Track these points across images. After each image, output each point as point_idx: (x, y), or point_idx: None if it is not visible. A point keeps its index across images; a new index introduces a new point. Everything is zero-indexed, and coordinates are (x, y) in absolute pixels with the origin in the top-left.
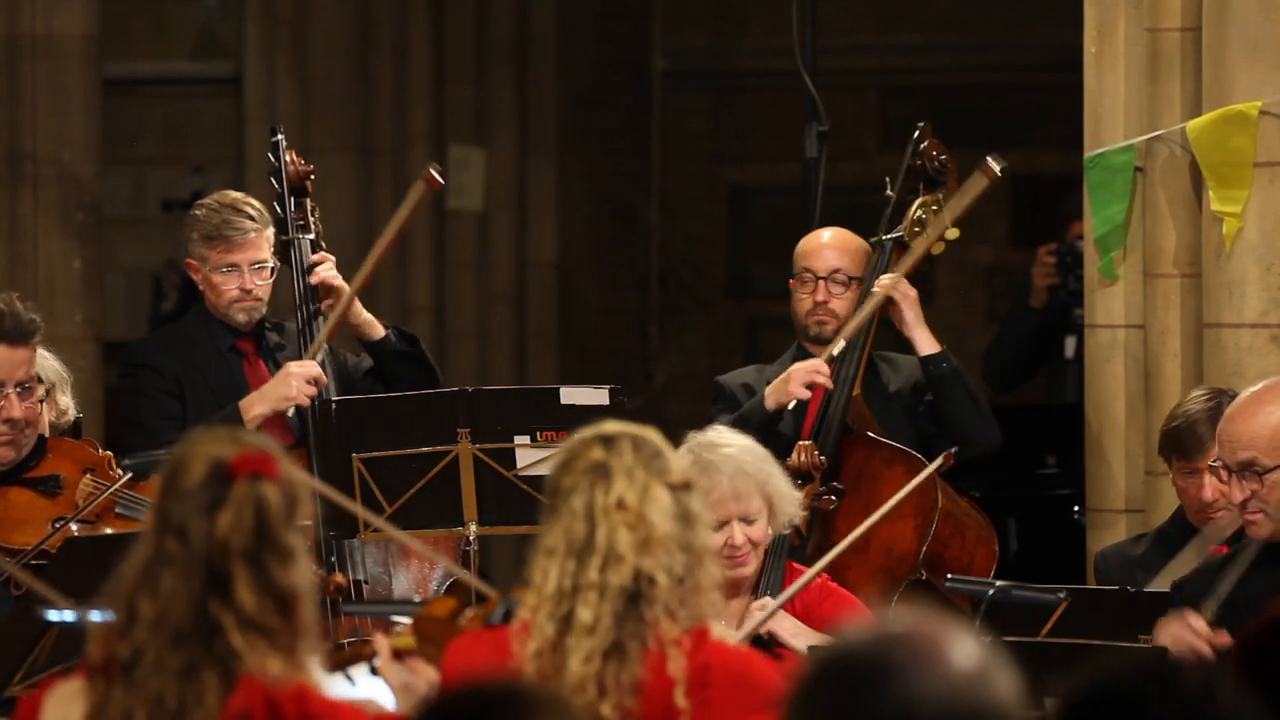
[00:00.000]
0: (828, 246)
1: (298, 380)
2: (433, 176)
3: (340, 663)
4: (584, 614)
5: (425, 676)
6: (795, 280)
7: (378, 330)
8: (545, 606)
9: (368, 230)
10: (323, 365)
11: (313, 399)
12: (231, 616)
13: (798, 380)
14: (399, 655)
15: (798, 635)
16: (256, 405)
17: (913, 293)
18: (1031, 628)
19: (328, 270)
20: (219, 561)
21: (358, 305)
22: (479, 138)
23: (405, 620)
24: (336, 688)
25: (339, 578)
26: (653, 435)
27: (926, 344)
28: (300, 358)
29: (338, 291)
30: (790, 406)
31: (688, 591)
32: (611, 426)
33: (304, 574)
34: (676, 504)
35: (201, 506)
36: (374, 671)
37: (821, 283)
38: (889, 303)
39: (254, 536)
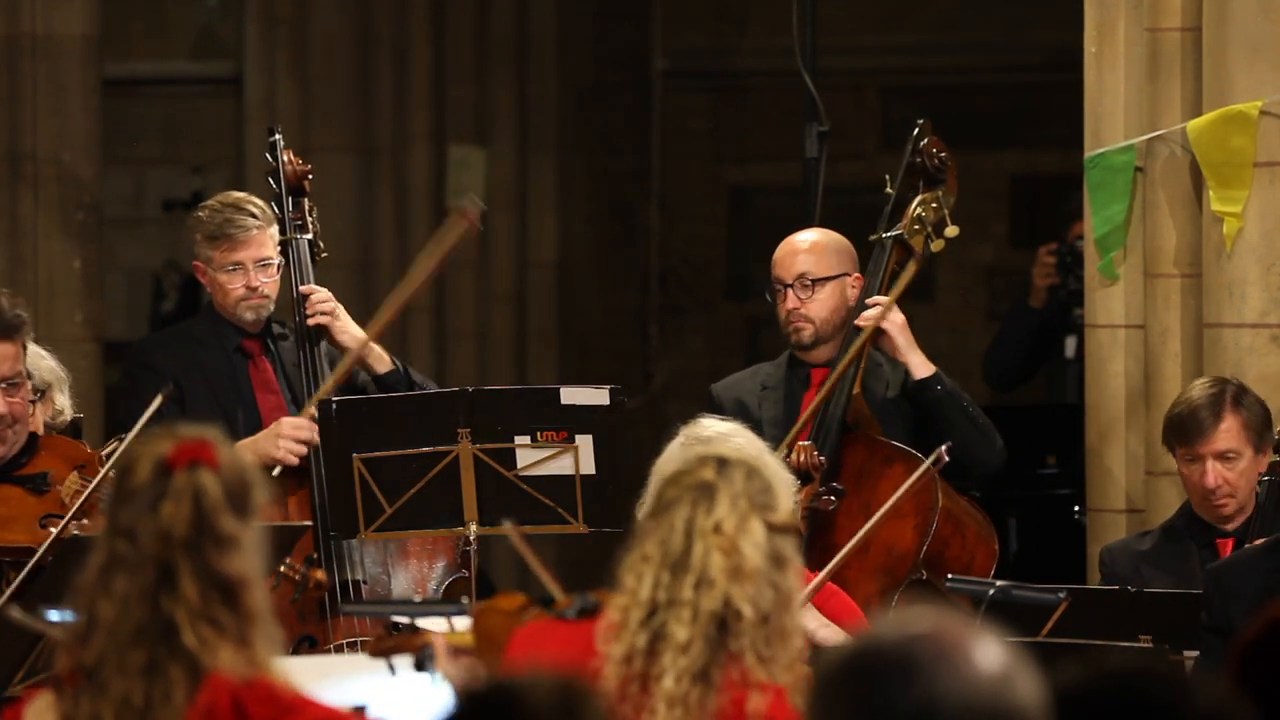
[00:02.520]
0: (791, 253)
1: (286, 442)
2: (469, 212)
3: (385, 650)
4: (679, 631)
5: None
6: (770, 291)
7: (384, 364)
8: (636, 613)
9: (367, 231)
10: (314, 364)
11: (305, 387)
12: (183, 610)
13: None
14: (462, 651)
15: (822, 629)
16: (246, 454)
17: (900, 319)
18: (1032, 628)
19: (324, 307)
20: (165, 555)
21: (359, 333)
22: (479, 138)
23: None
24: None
25: (319, 573)
26: (771, 469)
27: (920, 368)
28: (299, 358)
29: (338, 333)
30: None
31: (773, 633)
32: (732, 451)
33: (248, 561)
34: (771, 543)
35: (147, 504)
36: (419, 667)
37: (789, 290)
38: (879, 333)
39: (192, 526)
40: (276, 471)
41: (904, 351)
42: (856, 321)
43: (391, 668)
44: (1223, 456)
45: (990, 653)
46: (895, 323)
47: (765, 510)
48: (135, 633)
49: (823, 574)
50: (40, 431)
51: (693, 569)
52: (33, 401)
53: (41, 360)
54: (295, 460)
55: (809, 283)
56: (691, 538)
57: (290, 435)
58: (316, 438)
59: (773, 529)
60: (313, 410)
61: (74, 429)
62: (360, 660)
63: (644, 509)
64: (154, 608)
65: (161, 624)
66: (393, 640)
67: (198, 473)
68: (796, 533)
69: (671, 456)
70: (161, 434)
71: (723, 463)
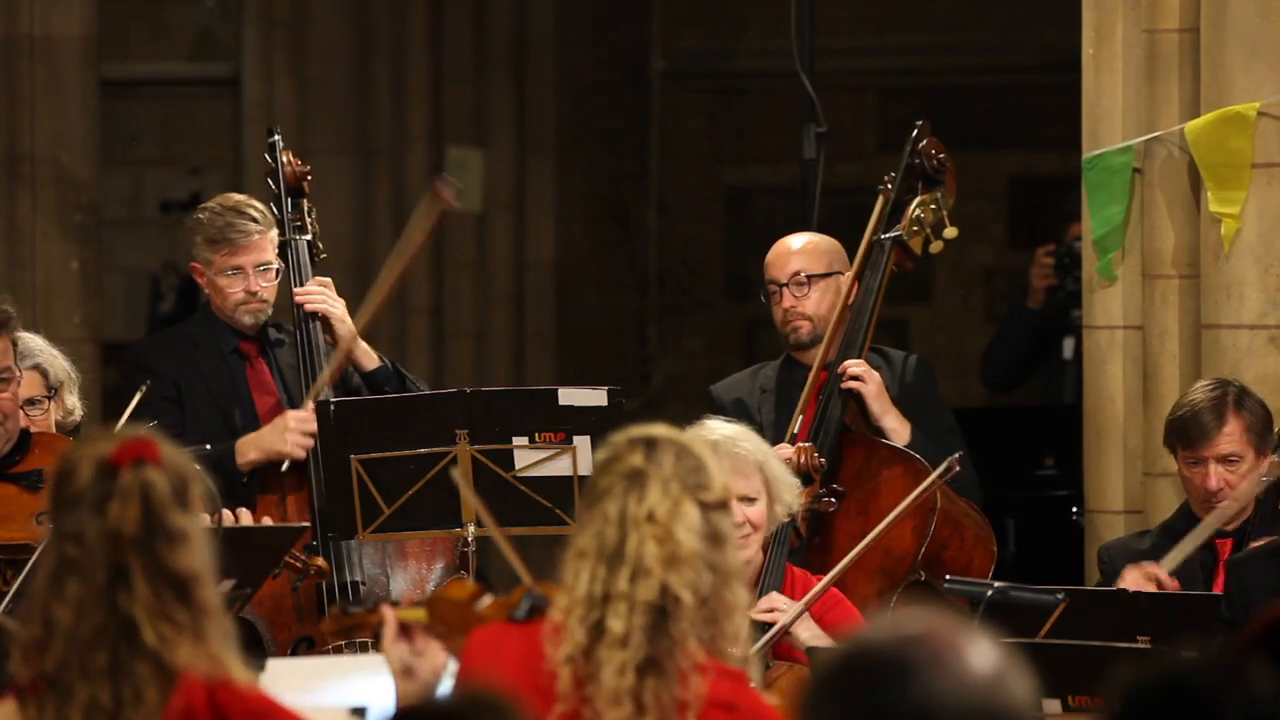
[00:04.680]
0: (784, 254)
1: (293, 435)
2: (442, 191)
3: (342, 629)
4: (615, 624)
5: (432, 660)
6: (765, 294)
7: (372, 360)
8: (576, 611)
9: (366, 231)
10: (314, 364)
11: (304, 387)
12: (140, 609)
13: None
14: (405, 630)
15: (816, 639)
16: (251, 450)
17: (875, 383)
18: (1030, 629)
19: (323, 303)
20: (116, 555)
21: (354, 330)
22: (477, 139)
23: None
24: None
25: (319, 560)
26: (699, 446)
27: (898, 433)
28: (297, 359)
29: (335, 321)
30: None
31: (715, 612)
32: (659, 431)
33: (198, 556)
34: (707, 523)
35: (92, 505)
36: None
37: (785, 289)
38: (854, 396)
39: (142, 524)
40: (285, 467)
41: (879, 416)
42: (840, 371)
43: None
44: (1225, 460)
45: (984, 654)
46: (872, 387)
47: (698, 489)
48: (94, 634)
49: (820, 585)
50: (52, 428)
51: (628, 560)
52: (48, 397)
53: (55, 360)
54: (303, 453)
55: (804, 280)
56: (625, 528)
57: (297, 429)
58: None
59: (707, 508)
60: (312, 404)
61: (77, 430)
62: (359, 661)
63: (581, 499)
64: (111, 608)
65: (120, 624)
66: (350, 619)
67: (143, 470)
68: (725, 506)
69: None
70: (97, 437)
71: (651, 444)
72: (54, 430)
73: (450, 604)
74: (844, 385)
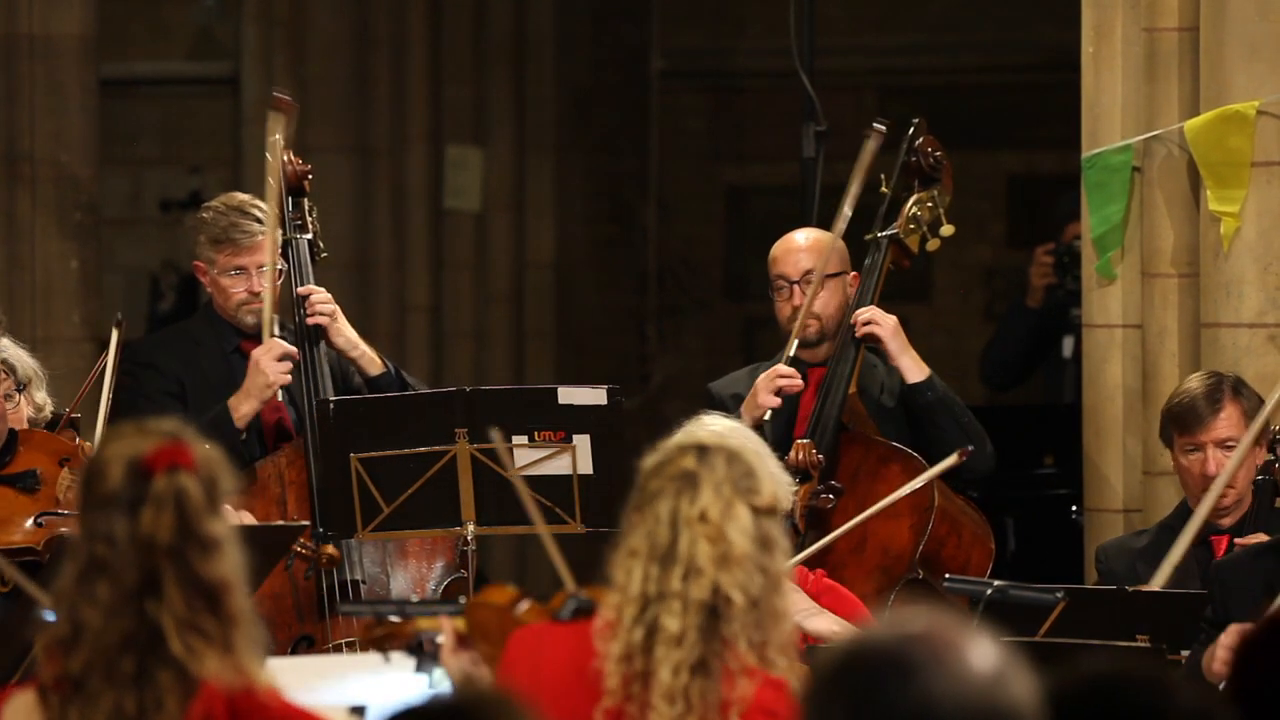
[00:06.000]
0: (796, 250)
1: (268, 363)
2: (282, 100)
3: (377, 640)
4: (670, 623)
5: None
6: (772, 288)
7: (375, 366)
8: (629, 609)
9: (364, 231)
10: (314, 363)
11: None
12: (169, 617)
13: (763, 391)
14: (463, 641)
15: (814, 617)
16: (243, 403)
17: (890, 323)
18: (1029, 627)
19: (324, 308)
20: (148, 561)
21: (354, 336)
22: (477, 138)
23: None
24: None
25: (330, 549)
26: (750, 453)
27: (913, 371)
28: (298, 359)
29: (333, 331)
30: (766, 417)
31: (764, 616)
32: (710, 437)
33: (230, 564)
34: (758, 527)
35: (124, 507)
36: (415, 657)
37: (796, 287)
38: (871, 338)
39: (176, 532)
40: (282, 396)
41: (896, 355)
42: (851, 321)
43: (386, 658)
44: (1223, 444)
45: (985, 652)
46: (888, 326)
47: (749, 494)
48: (122, 640)
49: (813, 548)
50: (24, 424)
51: (680, 559)
52: (19, 391)
53: (21, 357)
54: (288, 378)
55: (819, 280)
56: (677, 528)
57: (268, 357)
58: (292, 348)
59: (758, 512)
60: (268, 334)
61: (72, 426)
62: (358, 660)
63: (629, 502)
64: (140, 614)
65: (148, 631)
66: (384, 629)
67: (178, 476)
68: (783, 514)
69: None
70: (130, 433)
71: (703, 450)
72: (25, 424)
73: (489, 609)
74: (859, 333)
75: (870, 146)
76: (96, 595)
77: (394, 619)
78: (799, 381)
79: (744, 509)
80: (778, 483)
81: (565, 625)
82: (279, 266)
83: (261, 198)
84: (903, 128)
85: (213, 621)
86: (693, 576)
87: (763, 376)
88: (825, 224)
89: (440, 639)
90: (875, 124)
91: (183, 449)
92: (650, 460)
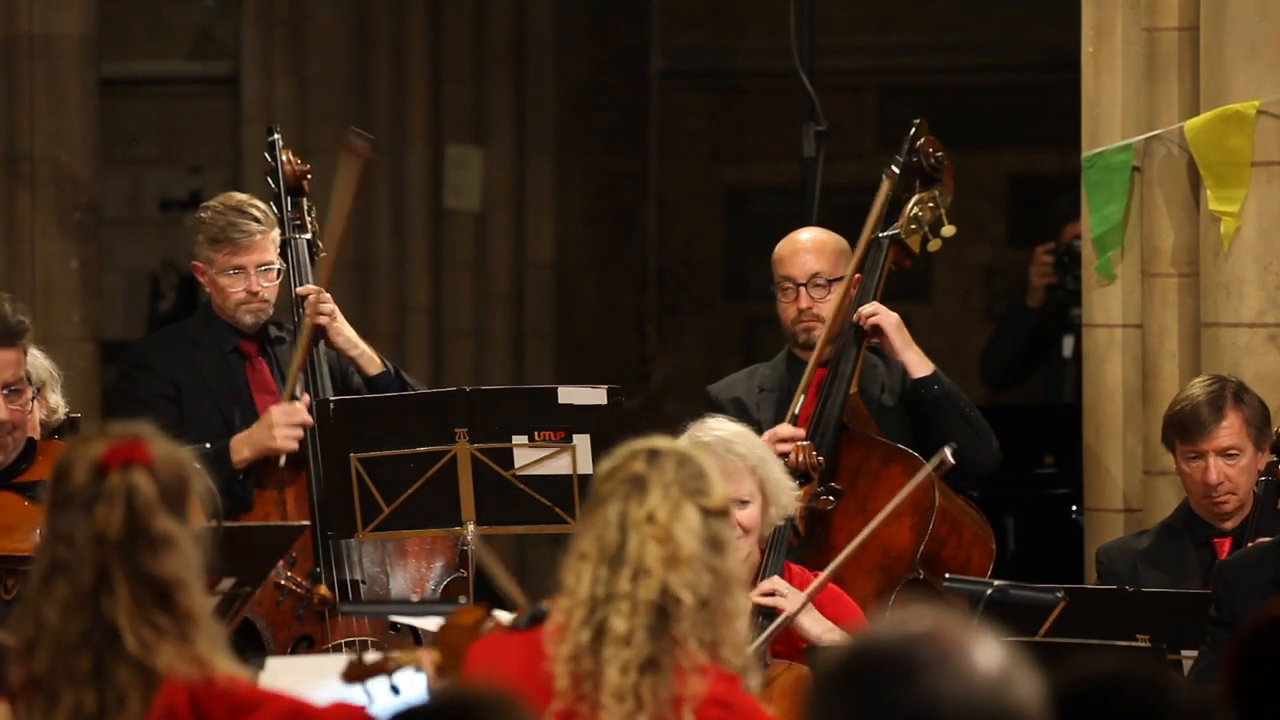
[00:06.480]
0: (803, 251)
1: (280, 430)
2: (359, 149)
3: (358, 676)
4: (618, 624)
5: None
6: (776, 288)
7: (375, 366)
8: (578, 611)
9: (364, 231)
10: (314, 366)
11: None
12: (122, 613)
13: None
14: (441, 670)
15: (828, 633)
16: (244, 448)
17: (893, 318)
18: (1029, 627)
19: (323, 309)
20: (100, 558)
21: (353, 335)
22: (477, 138)
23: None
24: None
25: (324, 590)
26: (702, 457)
27: (917, 366)
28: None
29: (333, 331)
30: None
31: (714, 616)
32: (662, 442)
33: (183, 562)
34: (706, 527)
35: (83, 506)
36: (395, 693)
37: (802, 289)
38: (875, 333)
39: (124, 528)
40: (282, 462)
41: (900, 350)
42: (854, 319)
43: (368, 695)
44: (1225, 453)
45: (989, 653)
46: (891, 321)
47: (698, 495)
48: (79, 638)
49: (823, 575)
50: (37, 429)
51: (629, 561)
52: (33, 402)
53: (35, 359)
54: (294, 445)
55: (823, 283)
56: (626, 530)
57: (283, 422)
58: (309, 419)
59: (707, 513)
60: (304, 396)
61: (71, 426)
62: None
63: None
64: (95, 612)
65: (104, 628)
66: (364, 666)
67: (130, 473)
68: (725, 514)
69: None
70: (95, 435)
71: (653, 454)
72: (38, 428)
73: (460, 630)
74: (867, 324)
75: (885, 187)
76: (55, 595)
77: (371, 658)
78: (798, 443)
79: (693, 510)
80: (778, 487)
81: (521, 633)
82: (278, 266)
83: (260, 197)
84: (903, 128)
85: (165, 617)
86: (641, 577)
87: (767, 435)
88: (825, 224)
89: (420, 673)
90: (892, 166)
91: (139, 446)
92: (604, 465)
